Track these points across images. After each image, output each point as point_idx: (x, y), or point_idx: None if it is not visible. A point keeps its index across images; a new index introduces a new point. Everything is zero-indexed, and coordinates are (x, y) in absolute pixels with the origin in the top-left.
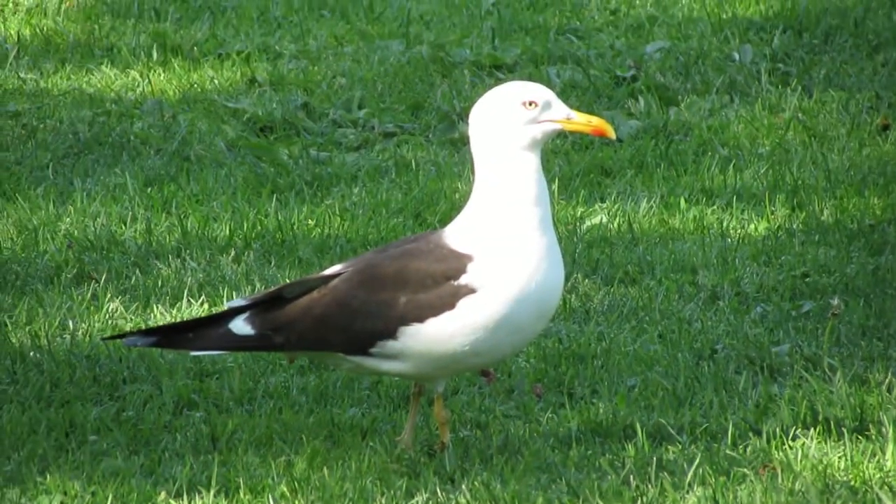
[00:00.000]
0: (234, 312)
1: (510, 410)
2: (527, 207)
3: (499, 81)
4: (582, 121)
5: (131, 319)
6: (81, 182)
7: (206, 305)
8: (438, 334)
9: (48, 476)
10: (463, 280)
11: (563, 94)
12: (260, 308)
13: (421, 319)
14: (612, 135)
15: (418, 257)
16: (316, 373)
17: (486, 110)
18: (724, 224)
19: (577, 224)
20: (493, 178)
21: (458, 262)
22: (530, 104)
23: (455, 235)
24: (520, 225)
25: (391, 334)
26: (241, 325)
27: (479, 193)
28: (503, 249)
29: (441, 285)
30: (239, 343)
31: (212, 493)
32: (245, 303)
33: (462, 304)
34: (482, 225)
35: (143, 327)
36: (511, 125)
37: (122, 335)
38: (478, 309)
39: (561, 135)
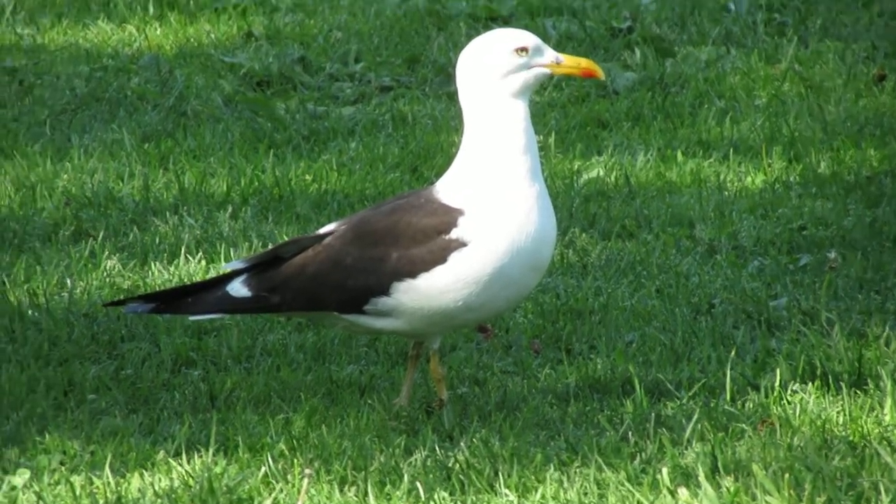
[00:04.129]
0: (232, 275)
1: (508, 367)
2: (516, 157)
3: None
4: (571, 63)
5: (129, 277)
6: (79, 138)
7: (203, 262)
8: (430, 289)
9: (47, 435)
10: (453, 234)
11: (559, 46)
12: (257, 269)
13: (413, 275)
14: (602, 75)
15: (409, 212)
16: (314, 330)
17: (476, 58)
18: (721, 177)
19: (574, 178)
20: (482, 128)
21: (449, 216)
22: (521, 50)
23: (446, 189)
24: (509, 175)
25: (384, 290)
26: (238, 288)
27: (469, 145)
28: (493, 202)
29: (432, 240)
30: (236, 305)
31: (210, 451)
32: (243, 265)
33: (453, 258)
34: (472, 177)
35: (142, 287)
36: (502, 72)
37: (123, 301)
38: (469, 263)
39: (557, 87)
